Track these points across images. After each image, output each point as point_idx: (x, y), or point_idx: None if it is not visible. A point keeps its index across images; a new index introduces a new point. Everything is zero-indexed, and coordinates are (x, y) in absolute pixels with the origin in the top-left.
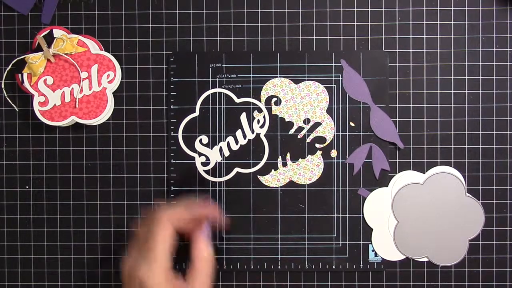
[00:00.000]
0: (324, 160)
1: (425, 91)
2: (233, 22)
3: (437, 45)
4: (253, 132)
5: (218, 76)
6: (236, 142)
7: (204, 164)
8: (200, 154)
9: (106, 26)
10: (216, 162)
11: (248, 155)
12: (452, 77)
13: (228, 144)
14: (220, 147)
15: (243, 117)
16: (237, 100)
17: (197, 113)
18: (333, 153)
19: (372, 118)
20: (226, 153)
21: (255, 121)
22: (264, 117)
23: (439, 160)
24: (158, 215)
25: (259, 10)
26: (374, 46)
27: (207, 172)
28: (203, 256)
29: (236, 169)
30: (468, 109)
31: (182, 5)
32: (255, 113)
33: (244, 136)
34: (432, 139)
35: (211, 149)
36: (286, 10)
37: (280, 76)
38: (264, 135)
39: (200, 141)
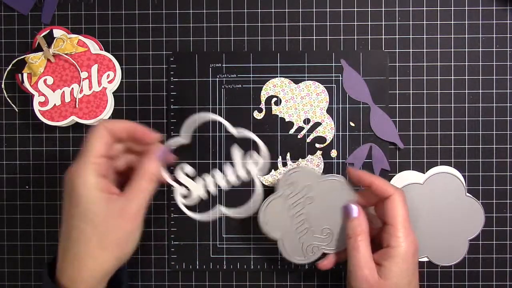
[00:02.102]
0: (324, 160)
1: (425, 91)
2: (233, 22)
3: (437, 45)
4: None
5: (218, 76)
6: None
7: (184, 196)
8: (180, 184)
9: (106, 26)
10: (198, 197)
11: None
12: (452, 77)
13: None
14: (206, 182)
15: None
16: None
17: (188, 141)
18: (333, 153)
19: (372, 118)
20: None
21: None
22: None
23: (439, 160)
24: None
25: (259, 10)
26: (374, 46)
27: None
28: (147, 169)
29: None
30: (468, 109)
31: (182, 5)
32: (255, 112)
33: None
34: (432, 139)
35: (195, 182)
36: (286, 10)
37: (280, 76)
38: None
39: (183, 169)
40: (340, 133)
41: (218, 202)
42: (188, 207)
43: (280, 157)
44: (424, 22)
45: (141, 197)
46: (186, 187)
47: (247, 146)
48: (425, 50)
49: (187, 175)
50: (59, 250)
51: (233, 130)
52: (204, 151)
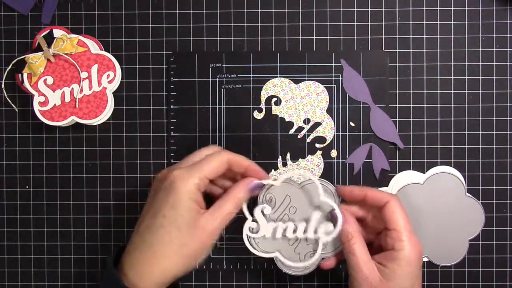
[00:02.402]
0: (324, 160)
1: (425, 91)
2: (233, 22)
3: (437, 45)
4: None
5: (218, 76)
6: (294, 231)
7: (251, 230)
8: (253, 219)
9: (106, 26)
10: (263, 236)
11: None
12: (452, 77)
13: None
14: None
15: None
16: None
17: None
18: (333, 153)
19: (372, 118)
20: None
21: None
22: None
23: (439, 160)
24: (220, 150)
25: (259, 10)
26: (374, 46)
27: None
28: (236, 195)
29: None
30: (468, 109)
31: (182, 5)
32: (255, 112)
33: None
34: (432, 139)
35: (267, 222)
36: (286, 10)
37: (280, 76)
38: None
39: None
40: (340, 133)
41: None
42: (249, 241)
43: (280, 157)
44: (424, 22)
45: (224, 217)
46: (257, 222)
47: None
48: (425, 50)
49: (263, 213)
50: (133, 244)
51: (321, 194)
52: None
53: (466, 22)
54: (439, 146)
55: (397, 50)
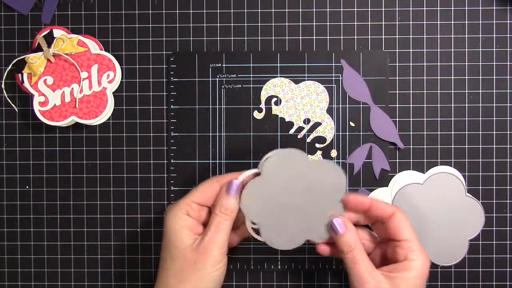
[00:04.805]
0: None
1: (425, 91)
2: (233, 22)
3: (437, 45)
4: None
5: (218, 76)
6: None
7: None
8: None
9: (106, 26)
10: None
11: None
12: (452, 77)
13: None
14: None
15: None
16: None
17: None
18: (333, 153)
19: (372, 118)
20: None
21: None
22: None
23: (439, 160)
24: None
25: (259, 10)
26: (374, 46)
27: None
28: (220, 204)
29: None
30: (468, 109)
31: (182, 5)
32: (255, 112)
33: None
34: (432, 139)
35: None
36: (286, 10)
37: (280, 76)
38: None
39: None
40: (340, 133)
41: None
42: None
43: None
44: (424, 22)
45: (214, 231)
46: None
47: None
48: (425, 50)
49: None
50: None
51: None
52: None
53: (466, 22)
54: (439, 146)
55: (397, 50)
